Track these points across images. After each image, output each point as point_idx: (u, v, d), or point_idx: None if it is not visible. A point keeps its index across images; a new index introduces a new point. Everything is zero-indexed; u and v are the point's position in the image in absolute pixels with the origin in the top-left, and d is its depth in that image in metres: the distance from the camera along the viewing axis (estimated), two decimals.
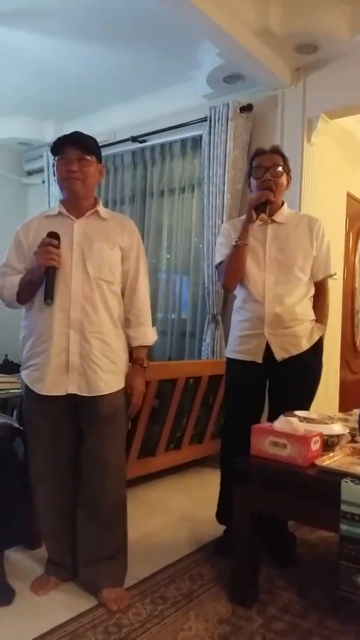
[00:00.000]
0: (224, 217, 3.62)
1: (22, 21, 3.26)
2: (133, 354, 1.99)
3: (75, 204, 1.94)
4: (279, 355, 2.19)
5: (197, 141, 3.98)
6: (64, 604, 1.85)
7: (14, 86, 4.12)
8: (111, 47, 3.54)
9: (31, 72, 3.89)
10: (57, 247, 1.84)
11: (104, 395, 1.87)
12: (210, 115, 3.72)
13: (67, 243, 1.88)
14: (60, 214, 1.95)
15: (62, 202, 1.98)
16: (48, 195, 4.86)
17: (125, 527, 1.98)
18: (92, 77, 3.95)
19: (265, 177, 2.19)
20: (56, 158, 1.90)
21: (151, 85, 4.05)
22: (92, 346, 1.85)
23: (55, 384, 1.86)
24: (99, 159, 1.95)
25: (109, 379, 1.89)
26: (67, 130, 5.05)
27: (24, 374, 1.97)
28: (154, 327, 2.05)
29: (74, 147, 1.87)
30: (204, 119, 3.80)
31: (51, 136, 4.86)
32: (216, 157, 3.69)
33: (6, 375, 3.67)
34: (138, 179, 4.41)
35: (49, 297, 1.82)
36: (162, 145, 4.22)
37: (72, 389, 1.85)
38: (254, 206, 2.17)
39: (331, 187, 3.80)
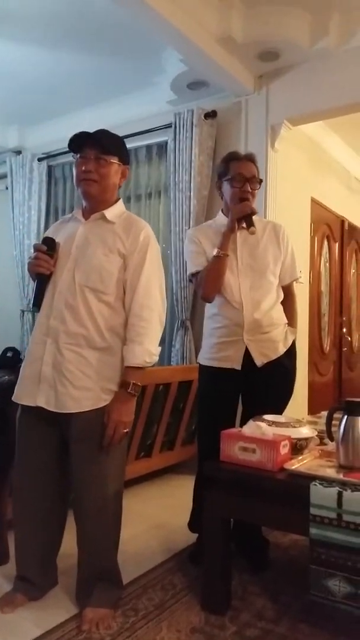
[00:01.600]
0: (191, 223, 3.62)
1: None
2: (122, 376, 1.77)
3: (90, 206, 1.85)
4: (259, 360, 2.19)
5: (162, 147, 3.98)
6: (32, 621, 1.79)
7: None
8: (75, 52, 3.51)
9: None
10: (49, 253, 1.78)
11: (77, 413, 1.72)
12: (175, 122, 3.73)
13: (67, 247, 1.81)
14: (73, 216, 1.90)
15: (83, 204, 1.90)
16: (12, 202, 4.78)
17: (112, 548, 1.86)
18: (55, 82, 3.91)
19: (246, 189, 2.20)
20: (75, 157, 1.82)
21: (116, 91, 4.03)
22: (65, 358, 1.73)
23: (26, 392, 1.79)
24: (122, 160, 1.84)
25: (81, 396, 1.72)
26: (30, 135, 4.98)
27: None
28: (159, 348, 1.80)
29: (92, 147, 1.77)
30: (169, 125, 3.80)
31: (14, 141, 4.81)
32: (182, 163, 3.70)
33: None
34: None
35: (35, 304, 1.78)
36: (128, 151, 4.19)
37: (41, 402, 1.75)
38: (238, 217, 2.17)
39: (296, 192, 3.86)
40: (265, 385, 2.21)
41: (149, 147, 4.07)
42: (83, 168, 1.78)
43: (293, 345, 2.31)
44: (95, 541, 1.81)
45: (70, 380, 1.73)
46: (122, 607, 1.87)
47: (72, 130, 4.62)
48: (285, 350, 2.24)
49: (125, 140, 3.97)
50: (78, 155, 1.81)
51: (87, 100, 4.20)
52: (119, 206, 1.89)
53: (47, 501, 1.87)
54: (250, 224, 2.17)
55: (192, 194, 3.64)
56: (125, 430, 1.76)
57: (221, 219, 2.28)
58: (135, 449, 3.02)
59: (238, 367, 2.20)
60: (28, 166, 4.67)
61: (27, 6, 3.01)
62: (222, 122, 3.71)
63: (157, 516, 2.79)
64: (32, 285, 1.98)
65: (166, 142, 3.87)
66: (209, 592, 1.88)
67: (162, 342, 3.95)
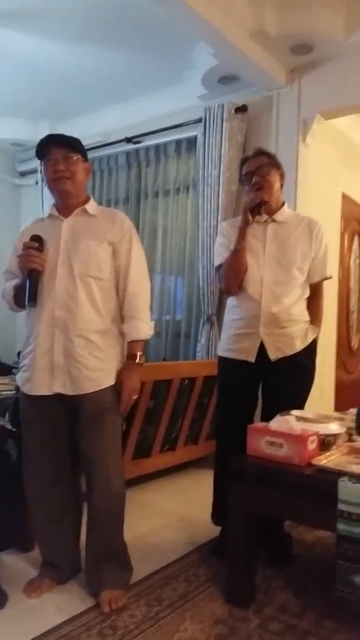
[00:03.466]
0: (219, 218, 3.61)
1: (17, 22, 3.24)
2: (127, 349, 1.94)
3: (66, 204, 1.93)
4: (273, 355, 2.18)
5: (191, 142, 3.97)
6: (58, 606, 1.83)
7: (7, 87, 4.10)
8: (106, 47, 3.53)
9: (25, 73, 3.87)
10: (39, 249, 1.86)
11: (90, 393, 1.84)
12: (205, 116, 3.71)
13: (54, 243, 1.89)
14: (50, 216, 1.97)
15: (54, 204, 1.99)
16: (42, 196, 4.84)
17: (120, 524, 1.93)
18: (86, 78, 3.94)
19: (254, 181, 2.21)
20: (42, 162, 1.91)
21: (146, 86, 4.04)
22: (74, 345, 1.83)
23: (41, 384, 1.86)
24: (85, 157, 1.95)
25: (96, 377, 1.85)
26: (61, 131, 5.04)
27: (17, 375, 1.98)
28: (152, 322, 1.97)
29: (59, 147, 1.87)
30: (198, 120, 3.79)
31: None
32: (211, 158, 3.68)
33: None
34: (132, 180, 4.40)
35: (31, 300, 1.85)
36: (157, 146, 4.20)
37: (58, 388, 1.84)
38: (249, 208, 2.17)
39: (326, 187, 3.81)
40: (280, 380, 2.20)
41: (178, 142, 4.07)
42: (55, 168, 1.86)
43: (313, 343, 2.27)
44: (107, 516, 1.89)
45: (83, 364, 1.84)
46: (146, 596, 1.89)
47: (103, 125, 4.68)
48: (303, 347, 2.22)
49: (154, 135, 4.10)
50: (46, 159, 1.88)
51: (117, 96, 4.22)
52: (93, 202, 1.99)
53: (62, 485, 1.95)
54: (257, 212, 2.17)
55: (220, 189, 3.63)
56: (135, 396, 1.92)
57: None
58: (160, 442, 3.04)
59: (252, 359, 2.20)
60: None
61: (61, 2, 3.04)
62: (253, 117, 3.69)
63: (180, 509, 2.80)
64: (12, 283, 1.99)
65: (196, 137, 3.86)
66: (233, 584, 1.88)
67: (187, 337, 4.04)
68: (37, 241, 1.87)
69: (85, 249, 1.87)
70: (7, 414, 2.65)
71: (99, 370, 1.86)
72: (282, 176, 2.29)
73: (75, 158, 1.89)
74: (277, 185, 2.26)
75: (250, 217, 2.17)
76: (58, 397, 1.85)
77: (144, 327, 1.91)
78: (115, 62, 3.70)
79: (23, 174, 5.27)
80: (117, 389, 1.88)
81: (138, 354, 1.91)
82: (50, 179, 1.90)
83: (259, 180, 2.21)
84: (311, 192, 3.51)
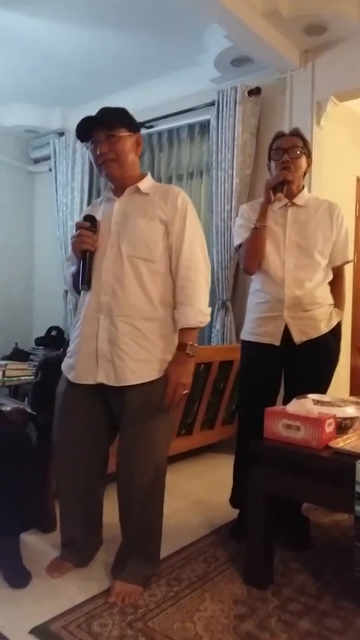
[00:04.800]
0: (233, 203, 3.60)
1: (28, 6, 3.22)
2: (178, 339, 1.80)
3: (118, 184, 1.85)
4: (298, 338, 2.18)
5: (204, 126, 3.94)
6: (79, 586, 1.87)
7: (19, 73, 4.09)
8: (117, 32, 3.50)
9: (37, 59, 3.85)
10: (91, 230, 1.80)
11: (134, 386, 1.74)
12: (218, 99, 3.68)
13: (107, 225, 1.82)
14: (106, 197, 1.91)
15: (110, 185, 1.91)
16: (55, 183, 4.84)
17: (158, 527, 1.88)
18: (98, 63, 3.92)
19: (284, 159, 2.19)
20: (87, 145, 1.82)
21: (158, 70, 4.00)
22: (118, 331, 1.74)
23: (85, 371, 1.80)
24: (131, 129, 1.81)
25: (139, 368, 1.73)
26: (73, 116, 5.03)
27: (64, 361, 1.93)
28: (209, 308, 1.81)
29: (99, 128, 1.76)
30: (211, 104, 3.76)
31: (57, 123, 4.84)
32: (224, 141, 3.65)
33: (17, 363, 3.69)
34: (145, 165, 4.37)
35: (84, 283, 1.78)
36: (170, 131, 4.17)
37: (101, 378, 1.76)
38: (272, 186, 2.15)
39: (341, 171, 3.76)
40: (305, 364, 2.20)
41: (191, 126, 4.04)
42: (98, 152, 1.78)
43: (338, 326, 2.27)
44: (146, 505, 1.82)
45: (127, 353, 1.74)
46: (166, 576, 1.92)
47: None
48: (327, 330, 2.22)
49: (166, 119, 4.07)
50: (90, 143, 1.80)
51: (129, 81, 4.19)
52: (149, 178, 1.88)
53: (93, 472, 1.92)
54: (279, 190, 2.14)
55: (234, 173, 3.60)
56: (185, 392, 1.76)
57: None
58: (177, 426, 3.06)
59: (277, 342, 2.20)
60: (71, 147, 4.71)
61: None
62: (266, 99, 3.64)
63: (197, 493, 2.83)
64: (70, 270, 1.95)
65: (208, 121, 3.82)
66: (251, 566, 1.90)
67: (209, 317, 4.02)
68: (89, 221, 1.81)
69: (133, 228, 1.76)
70: (26, 399, 2.70)
71: (143, 362, 1.74)
72: (309, 164, 2.28)
73: (118, 135, 1.76)
74: (302, 170, 2.25)
75: (272, 196, 2.15)
76: (101, 387, 1.78)
77: (193, 314, 1.75)
78: (126, 46, 3.66)
79: (37, 161, 5.27)
80: (161, 384, 1.75)
81: (188, 343, 1.75)
82: (96, 163, 1.82)
83: (288, 160, 2.18)
84: (325, 175, 3.47)
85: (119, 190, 1.87)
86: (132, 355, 1.74)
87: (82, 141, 1.85)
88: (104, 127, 1.77)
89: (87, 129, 1.79)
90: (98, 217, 1.85)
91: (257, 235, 2.19)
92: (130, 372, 1.74)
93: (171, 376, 1.75)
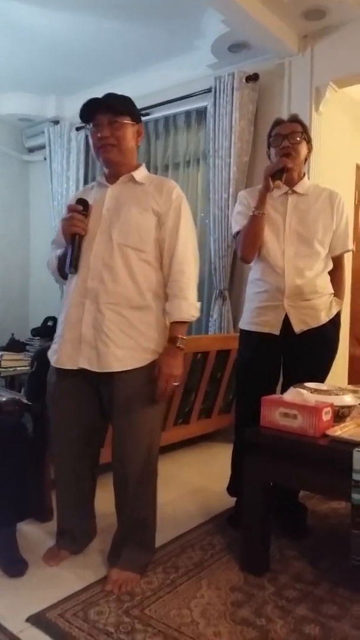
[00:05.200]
0: (231, 191, 3.57)
1: None
2: (169, 332, 1.80)
3: (113, 171, 1.85)
4: (298, 327, 2.17)
5: (202, 113, 3.90)
6: (76, 574, 1.87)
7: (13, 61, 4.04)
8: (113, 18, 3.44)
9: (31, 46, 3.80)
10: (83, 213, 1.78)
11: (120, 373, 1.73)
12: (215, 86, 3.64)
13: (98, 210, 1.81)
14: (98, 183, 1.90)
15: (103, 172, 1.90)
16: (50, 172, 4.80)
17: (153, 505, 1.88)
18: (93, 50, 3.86)
19: (284, 145, 2.16)
20: (88, 126, 1.81)
21: (154, 57, 3.95)
22: (105, 318, 1.73)
23: (67, 356, 1.79)
24: (134, 118, 1.82)
25: (124, 355, 1.73)
26: (68, 105, 4.96)
27: (51, 346, 1.93)
28: (199, 303, 1.82)
29: (103, 112, 1.75)
30: (208, 90, 3.72)
31: (52, 111, 4.80)
32: (222, 128, 3.62)
33: (13, 354, 3.68)
34: (142, 153, 4.32)
35: (72, 266, 1.77)
36: (166, 118, 4.13)
37: (83, 363, 1.75)
38: (271, 173, 2.12)
39: (340, 158, 3.72)
40: (305, 353, 2.19)
41: (187, 113, 4.00)
42: (99, 135, 1.77)
43: (338, 316, 2.26)
44: (139, 493, 1.82)
45: (112, 340, 1.73)
46: (163, 564, 1.93)
47: None
48: (327, 320, 2.20)
49: (163, 106, 4.02)
50: (91, 125, 1.79)
51: (125, 68, 4.14)
52: (144, 169, 1.89)
53: (82, 456, 1.92)
54: (278, 177, 2.11)
55: (232, 160, 3.57)
56: (176, 384, 1.77)
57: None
58: (174, 416, 3.05)
59: (276, 332, 2.18)
60: (66, 136, 4.67)
61: None
62: (264, 86, 3.60)
63: (194, 481, 2.84)
64: (56, 252, 1.94)
65: (206, 108, 3.78)
66: (248, 553, 1.91)
67: (199, 312, 4.02)
68: (82, 204, 1.80)
69: (126, 217, 1.76)
70: (22, 389, 2.69)
71: (128, 349, 1.74)
72: (309, 150, 2.25)
73: (121, 122, 1.76)
74: (302, 156, 2.22)
75: (271, 183, 2.12)
76: (87, 373, 1.77)
77: (187, 308, 1.76)
78: (122, 33, 3.61)
79: (31, 150, 5.22)
80: (151, 373, 1.75)
81: (179, 337, 1.76)
82: (95, 145, 1.81)
83: (288, 146, 2.16)
84: (325, 162, 3.43)
85: (112, 177, 1.85)
86: (117, 343, 1.73)
87: (84, 122, 1.83)
88: (109, 111, 1.76)
89: (92, 111, 1.78)
90: (90, 200, 1.84)
91: (255, 223, 2.16)
92: (115, 358, 1.73)
93: (163, 368, 1.74)
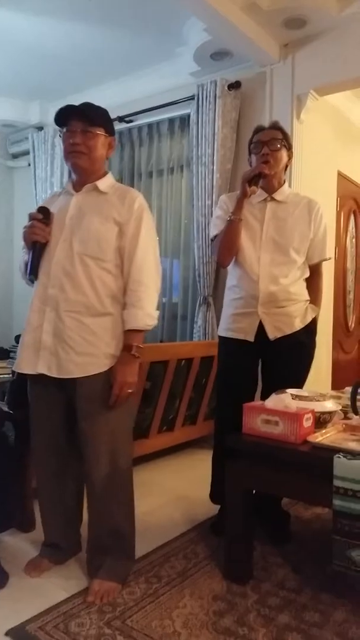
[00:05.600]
0: (214, 197, 3.58)
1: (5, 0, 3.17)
2: (124, 339, 1.80)
3: (80, 179, 1.87)
4: (272, 334, 2.17)
5: (185, 120, 3.93)
6: (58, 585, 1.84)
7: None
8: (96, 25, 3.46)
9: (15, 52, 3.80)
10: (43, 221, 1.80)
11: (81, 379, 1.75)
12: (198, 93, 3.66)
13: (61, 218, 1.83)
14: (65, 190, 1.92)
15: (71, 178, 1.92)
16: (34, 179, 4.79)
17: (124, 512, 1.86)
18: (77, 57, 3.87)
19: (264, 152, 2.17)
20: (62, 130, 1.83)
21: (137, 64, 3.97)
22: (65, 325, 1.75)
23: (26, 361, 1.81)
24: (108, 131, 1.85)
25: (84, 361, 1.75)
26: (52, 111, 4.95)
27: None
28: (157, 312, 1.84)
29: (78, 119, 1.78)
30: (191, 98, 3.74)
31: (36, 117, 4.79)
32: (205, 136, 3.64)
33: None
34: (126, 160, 4.34)
35: (31, 273, 1.81)
36: (150, 125, 4.15)
37: (42, 369, 1.77)
38: (248, 179, 2.14)
39: (322, 165, 3.77)
40: (280, 360, 2.20)
41: (171, 121, 4.02)
42: (71, 141, 1.79)
43: (313, 322, 2.27)
44: (105, 500, 1.82)
45: (71, 347, 1.75)
46: (145, 574, 1.91)
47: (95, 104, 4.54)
48: (302, 326, 2.21)
49: (146, 113, 4.04)
50: (64, 129, 1.82)
51: (108, 75, 4.15)
52: (110, 178, 1.91)
53: (66, 466, 1.91)
54: (254, 183, 2.13)
55: (215, 167, 3.59)
56: (129, 391, 1.78)
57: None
58: (158, 422, 3.05)
59: (251, 339, 2.19)
60: (50, 142, 4.66)
61: None
62: (246, 93, 3.63)
63: (179, 488, 2.82)
64: (24, 257, 1.96)
65: (189, 115, 3.80)
66: (230, 561, 1.90)
67: (183, 318, 4.03)
68: (42, 213, 1.82)
69: (87, 226, 1.78)
70: (5, 397, 2.66)
71: (87, 355, 1.76)
72: (289, 157, 2.26)
73: (95, 132, 1.79)
74: (282, 164, 2.23)
75: (247, 189, 2.14)
76: (52, 379, 1.78)
77: (142, 317, 1.78)
78: (105, 40, 3.63)
79: (15, 156, 5.21)
80: (111, 378, 1.77)
81: (134, 345, 1.77)
82: (65, 150, 1.83)
83: (268, 152, 2.17)
84: (306, 170, 3.47)
85: (79, 185, 1.88)
86: (77, 349, 1.75)
87: (58, 126, 1.85)
88: (83, 120, 1.79)
89: (67, 117, 1.80)
90: (54, 209, 1.87)
91: (231, 227, 2.18)
92: (74, 365, 1.75)
93: (116, 376, 1.76)
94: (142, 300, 1.79)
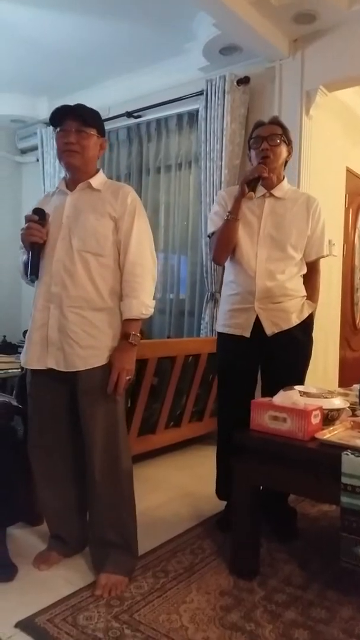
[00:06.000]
0: None
1: None
2: (121, 328, 1.86)
3: (74, 178, 1.91)
4: (269, 330, 2.17)
5: (193, 116, 3.91)
6: (66, 579, 1.86)
7: (5, 62, 4.03)
8: (104, 20, 3.45)
9: (23, 48, 3.80)
10: (40, 223, 1.85)
11: (83, 371, 1.81)
12: (207, 89, 3.64)
13: (58, 218, 1.87)
14: (59, 190, 1.95)
15: (64, 177, 1.96)
16: (42, 174, 4.79)
17: (126, 506, 1.88)
18: (85, 52, 3.86)
19: (263, 147, 2.17)
20: (56, 130, 1.86)
21: (146, 59, 3.96)
22: (69, 321, 1.81)
23: (36, 358, 1.86)
24: (100, 132, 1.90)
25: (87, 354, 1.81)
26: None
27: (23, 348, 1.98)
28: (153, 301, 1.88)
29: (73, 119, 1.82)
30: (200, 93, 3.72)
31: (44, 113, 4.78)
32: (213, 131, 3.62)
33: (5, 356, 3.66)
34: (134, 156, 4.34)
35: (32, 274, 1.86)
36: (158, 121, 4.14)
37: (51, 364, 1.84)
38: (247, 181, 2.14)
39: (330, 162, 3.75)
40: (278, 355, 2.20)
41: (179, 116, 4.01)
42: (65, 140, 1.83)
43: (310, 318, 2.27)
44: (109, 497, 1.84)
45: (75, 341, 1.81)
46: (152, 568, 1.92)
47: (103, 100, 4.61)
48: (299, 322, 2.21)
49: (154, 109, 4.03)
50: (58, 129, 1.85)
51: (116, 70, 4.14)
52: (101, 175, 1.95)
53: (68, 459, 1.94)
54: (253, 185, 2.13)
55: (223, 163, 3.58)
56: (128, 377, 1.83)
57: None
58: (165, 418, 3.06)
59: (247, 334, 2.20)
60: None
61: None
62: (255, 89, 3.61)
63: (185, 485, 2.83)
64: (22, 258, 1.99)
65: (197, 111, 3.79)
66: (237, 557, 1.91)
67: (191, 314, 4.03)
68: (38, 214, 1.86)
69: (84, 224, 1.83)
70: (14, 392, 2.67)
71: (90, 349, 1.81)
72: (289, 153, 2.26)
73: (88, 132, 1.84)
74: (282, 159, 2.22)
75: (246, 189, 2.14)
76: (57, 373, 1.84)
77: (137, 306, 1.83)
78: (114, 35, 3.62)
79: (24, 152, 5.22)
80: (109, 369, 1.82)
81: (131, 333, 1.83)
82: (59, 149, 1.87)
83: (267, 148, 2.16)
84: (315, 166, 3.45)
85: (72, 184, 1.92)
86: (80, 343, 1.81)
87: (53, 126, 1.89)
88: (78, 120, 1.83)
89: (62, 117, 1.84)
90: (50, 209, 1.90)
91: (228, 227, 2.18)
92: (79, 358, 1.81)
93: (115, 363, 1.82)
94: (136, 290, 1.84)
